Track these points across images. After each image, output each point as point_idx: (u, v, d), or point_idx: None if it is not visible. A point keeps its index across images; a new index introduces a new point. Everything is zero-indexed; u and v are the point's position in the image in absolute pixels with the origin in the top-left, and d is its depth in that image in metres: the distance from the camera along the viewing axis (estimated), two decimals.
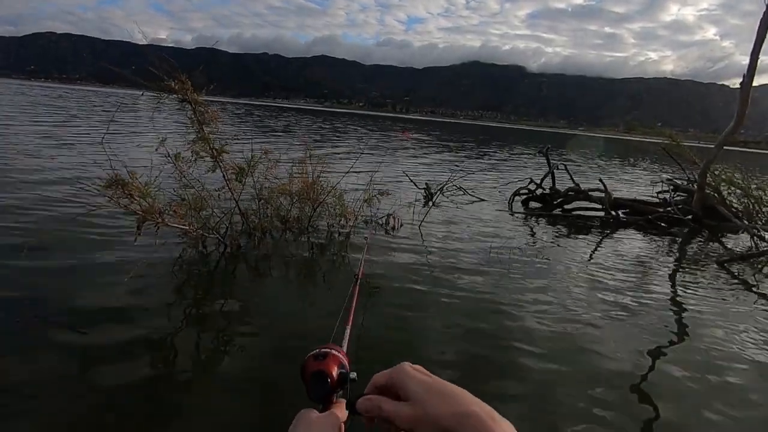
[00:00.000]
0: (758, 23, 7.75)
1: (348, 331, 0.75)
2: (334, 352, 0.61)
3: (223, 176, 4.67)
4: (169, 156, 4.47)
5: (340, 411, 0.57)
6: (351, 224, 5.58)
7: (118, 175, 3.43)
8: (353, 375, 0.61)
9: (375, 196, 5.64)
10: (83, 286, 3.78)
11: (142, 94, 4.01)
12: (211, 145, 4.32)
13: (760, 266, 6.26)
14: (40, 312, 3.29)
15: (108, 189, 3.43)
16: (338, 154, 15.14)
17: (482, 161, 19.83)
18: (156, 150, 4.49)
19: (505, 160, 22.16)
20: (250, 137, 14.26)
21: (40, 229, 4.95)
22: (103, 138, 3.63)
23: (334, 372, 0.59)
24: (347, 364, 0.62)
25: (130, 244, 4.12)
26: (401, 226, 6.26)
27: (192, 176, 4.63)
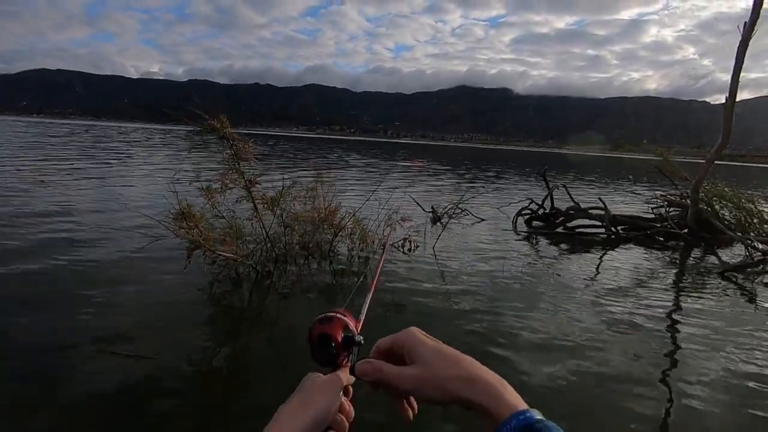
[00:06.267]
0: (736, 47, 8.36)
1: (369, 296, 0.73)
2: (339, 315, 0.60)
3: (254, 206, 4.97)
4: (202, 190, 4.78)
5: (345, 373, 0.57)
6: (371, 249, 5.88)
7: (184, 207, 3.75)
8: (360, 338, 0.60)
9: (397, 221, 5.95)
10: (131, 307, 4.02)
11: (192, 130, 4.38)
12: (245, 177, 4.65)
13: (755, 276, 6.60)
14: (85, 329, 3.51)
15: (176, 221, 3.74)
16: (348, 180, 15.54)
17: (480, 183, 20.31)
18: (190, 184, 4.82)
19: (502, 180, 22.70)
20: (279, 169, 14.62)
21: (99, 255, 5.23)
22: (174, 175, 3.94)
23: (339, 335, 0.58)
24: (354, 328, 0.60)
25: (173, 271, 4.39)
26: (417, 247, 6.57)
27: (225, 206, 4.94)
